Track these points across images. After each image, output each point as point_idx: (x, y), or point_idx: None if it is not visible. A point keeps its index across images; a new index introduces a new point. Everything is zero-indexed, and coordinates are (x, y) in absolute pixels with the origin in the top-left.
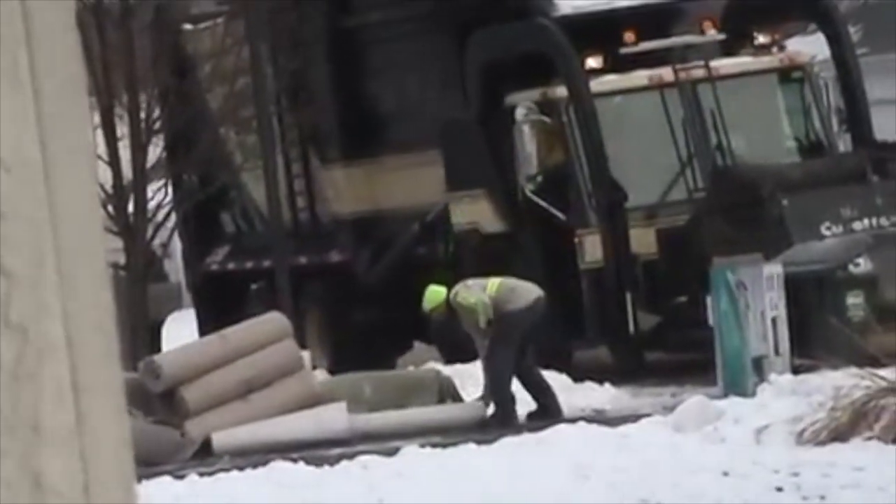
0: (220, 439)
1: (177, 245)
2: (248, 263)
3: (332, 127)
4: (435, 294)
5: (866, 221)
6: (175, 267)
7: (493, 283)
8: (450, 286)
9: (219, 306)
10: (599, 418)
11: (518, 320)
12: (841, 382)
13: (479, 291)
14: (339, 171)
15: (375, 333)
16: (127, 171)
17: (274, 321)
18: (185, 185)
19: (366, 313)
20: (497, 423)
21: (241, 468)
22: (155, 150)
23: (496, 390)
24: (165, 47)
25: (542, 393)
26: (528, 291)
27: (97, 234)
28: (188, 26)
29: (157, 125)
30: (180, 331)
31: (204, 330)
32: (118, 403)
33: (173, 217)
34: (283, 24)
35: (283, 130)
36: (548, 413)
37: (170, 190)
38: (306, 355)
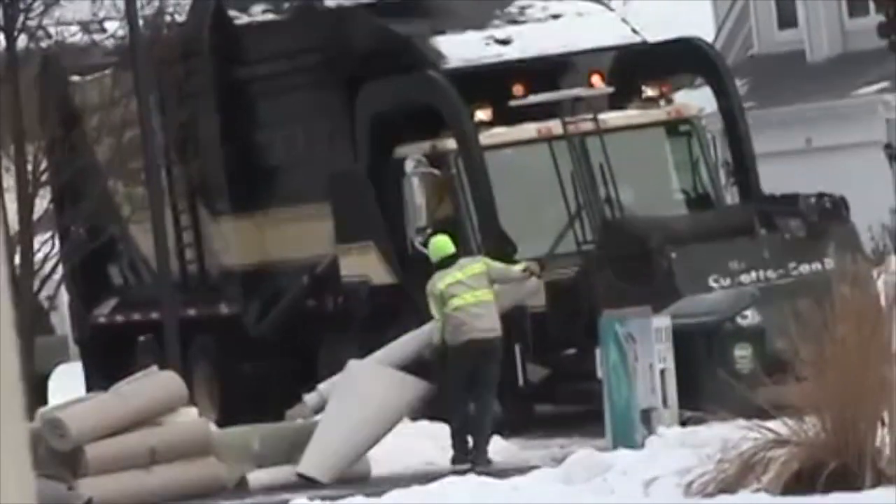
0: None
1: (64, 297)
2: (136, 316)
3: (221, 179)
4: (444, 242)
5: (754, 274)
6: (62, 319)
7: (460, 299)
8: (340, 342)
9: (106, 359)
10: (489, 470)
11: (462, 355)
12: (729, 435)
13: (434, 312)
14: (229, 223)
15: (265, 386)
16: (13, 222)
17: (170, 382)
18: (73, 237)
19: (255, 365)
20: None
21: None
22: (42, 202)
23: (451, 425)
24: (53, 99)
25: (479, 435)
26: (473, 326)
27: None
28: (76, 78)
29: (45, 177)
30: (67, 383)
31: (91, 383)
32: (23, 459)
33: (60, 269)
34: (171, 77)
35: (172, 182)
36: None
37: (57, 242)
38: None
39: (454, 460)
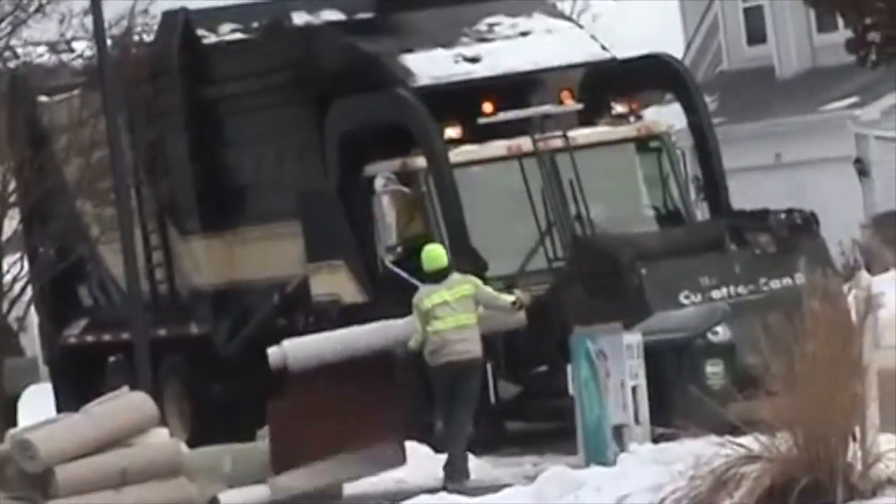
0: None
1: (33, 319)
2: (106, 336)
3: (191, 198)
4: (438, 252)
5: (724, 290)
6: (31, 340)
7: (444, 322)
8: None
9: (76, 380)
10: (461, 488)
11: (441, 376)
12: (701, 451)
13: (417, 325)
14: (198, 242)
15: (235, 406)
16: None
17: (140, 403)
18: (42, 258)
19: (226, 385)
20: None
21: None
22: (11, 223)
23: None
24: (21, 119)
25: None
26: (452, 349)
27: None
28: (44, 98)
29: (13, 198)
30: (37, 405)
31: (62, 404)
32: None
33: (30, 290)
34: (139, 96)
35: (141, 202)
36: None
37: (26, 263)
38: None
39: (447, 480)
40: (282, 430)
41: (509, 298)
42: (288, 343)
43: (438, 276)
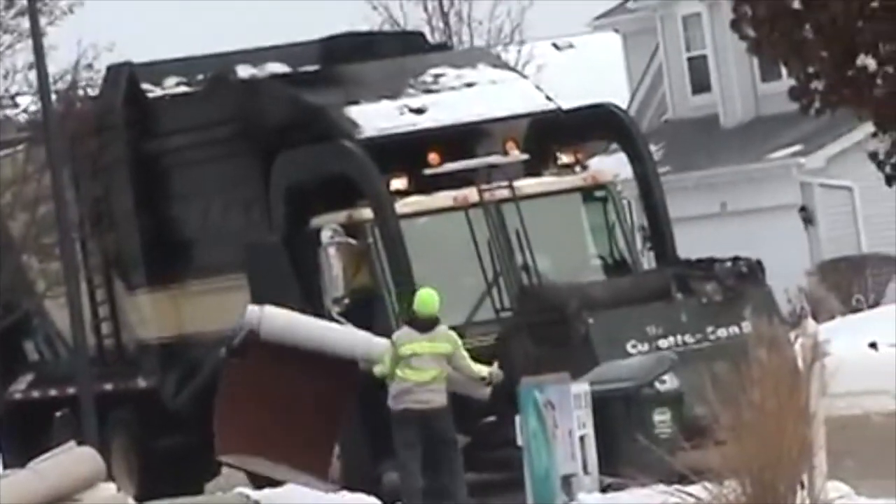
0: None
1: None
2: (53, 391)
3: (137, 252)
4: (430, 298)
5: (671, 339)
6: None
7: (417, 374)
8: None
9: (23, 435)
10: None
11: (399, 425)
12: (649, 500)
13: (386, 359)
14: (144, 296)
15: (183, 459)
16: None
17: (87, 458)
18: None
19: (173, 439)
20: None
21: None
22: None
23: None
24: None
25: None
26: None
27: None
28: None
29: None
30: None
31: (8, 460)
32: None
33: None
34: (84, 150)
35: (87, 256)
36: None
37: None
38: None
39: None
40: (229, 411)
41: (483, 371)
42: (269, 308)
43: (425, 324)
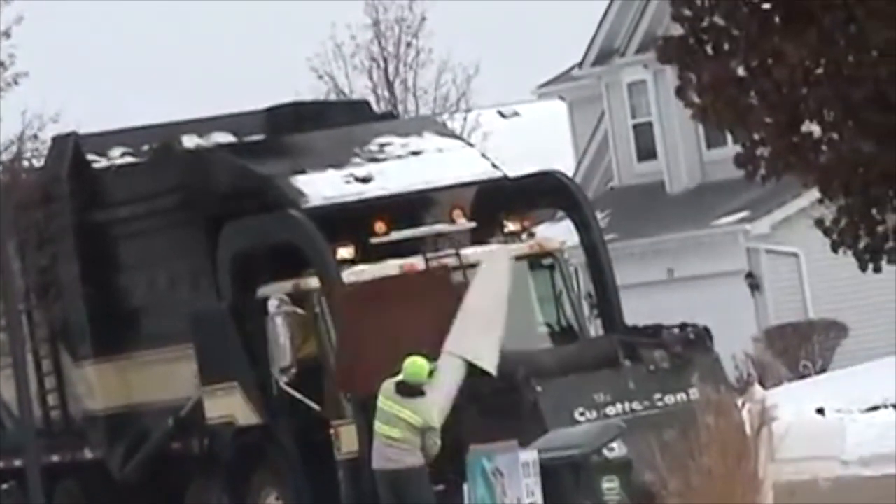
0: None
1: None
2: None
3: (83, 323)
4: (419, 367)
5: (619, 406)
6: None
7: (382, 428)
8: (206, 484)
9: None
10: None
11: (379, 483)
12: None
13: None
14: (91, 367)
15: None
16: None
17: None
18: None
19: None
20: None
21: None
22: None
23: None
24: None
25: None
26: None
27: None
28: None
29: None
30: None
31: None
32: None
33: None
34: (30, 221)
35: (33, 327)
36: None
37: None
38: None
39: None
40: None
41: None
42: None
43: (409, 390)
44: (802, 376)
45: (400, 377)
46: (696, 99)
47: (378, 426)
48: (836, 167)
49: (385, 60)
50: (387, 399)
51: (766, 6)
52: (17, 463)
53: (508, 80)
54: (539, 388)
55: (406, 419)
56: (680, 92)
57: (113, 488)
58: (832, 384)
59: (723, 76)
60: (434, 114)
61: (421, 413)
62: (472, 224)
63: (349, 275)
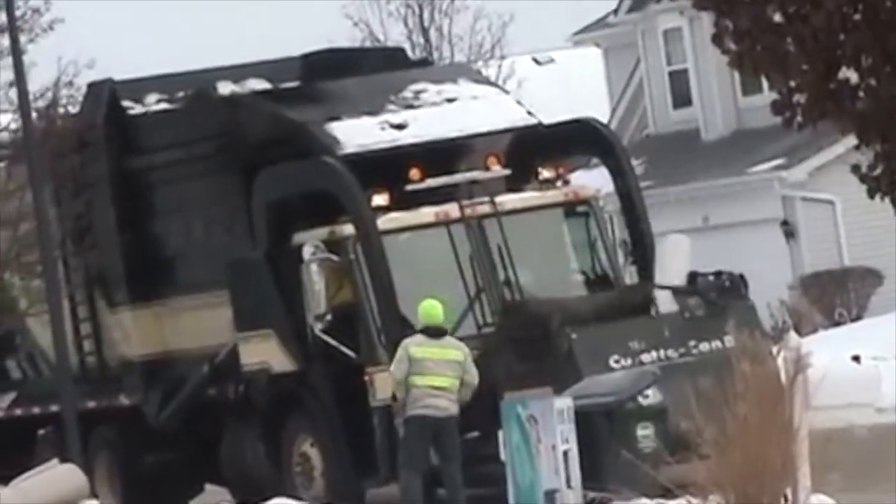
0: None
1: None
2: (35, 409)
3: (119, 269)
4: (423, 313)
5: (654, 353)
6: None
7: (431, 379)
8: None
9: (6, 453)
10: None
11: (412, 430)
12: None
13: (402, 367)
14: (127, 313)
15: (166, 476)
16: None
17: (71, 476)
18: None
19: (157, 456)
20: None
21: None
22: None
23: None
24: None
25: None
26: (431, 404)
27: None
28: None
29: None
30: None
31: None
32: None
33: None
34: (66, 168)
35: (69, 274)
36: None
37: None
38: None
39: None
40: None
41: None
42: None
43: (433, 333)
44: (838, 324)
45: (423, 323)
46: (732, 46)
47: (417, 379)
48: (872, 113)
49: (420, 7)
50: (420, 347)
51: None
52: (54, 409)
53: (543, 27)
54: (574, 336)
55: (444, 358)
56: (716, 39)
57: (148, 434)
58: (867, 331)
59: (760, 22)
60: (469, 61)
61: (460, 346)
62: (507, 171)
63: (384, 222)
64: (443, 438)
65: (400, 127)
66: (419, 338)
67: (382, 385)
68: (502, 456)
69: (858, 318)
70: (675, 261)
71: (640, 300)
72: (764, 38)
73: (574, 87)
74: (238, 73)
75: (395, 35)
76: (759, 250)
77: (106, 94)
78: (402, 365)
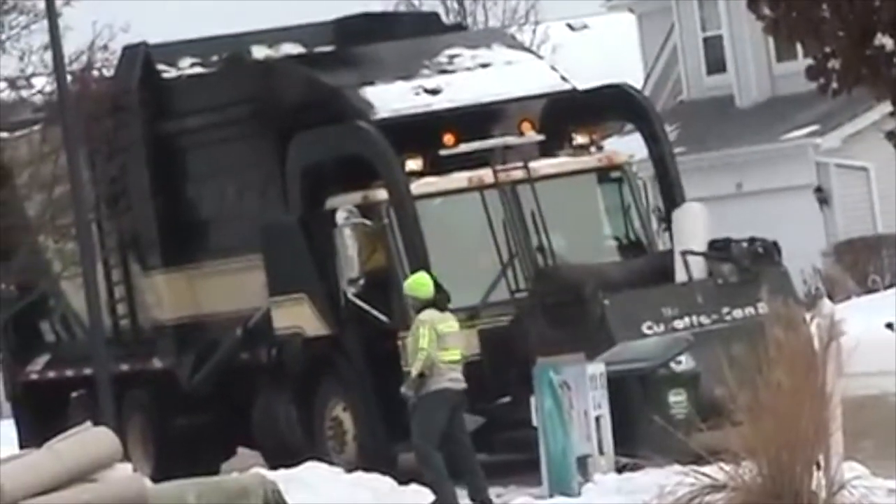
0: None
1: None
2: (69, 372)
3: (153, 233)
4: (422, 287)
5: (687, 320)
6: None
7: (453, 352)
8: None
9: (39, 415)
10: None
11: (436, 402)
12: (665, 480)
13: (435, 344)
14: (160, 277)
15: (199, 440)
16: None
17: (104, 438)
18: (4, 295)
19: (189, 419)
20: None
21: None
22: None
23: (425, 470)
24: None
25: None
26: (453, 377)
27: None
28: (4, 134)
29: None
30: None
31: (25, 439)
32: None
33: None
34: (100, 131)
35: (103, 237)
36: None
37: None
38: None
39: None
40: None
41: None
42: None
43: (442, 306)
44: (871, 290)
45: (425, 297)
46: (767, 11)
47: (442, 354)
48: None
49: None
50: (438, 323)
51: None
52: (87, 372)
53: None
54: (607, 302)
55: (458, 330)
56: (751, 4)
57: (181, 398)
58: None
59: None
60: (503, 26)
61: (454, 318)
62: (541, 136)
63: (417, 187)
64: (459, 411)
65: (434, 92)
66: (433, 313)
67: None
68: (534, 421)
69: (892, 285)
70: (692, 229)
71: (673, 267)
72: (799, 3)
73: (608, 53)
74: (272, 37)
75: (428, 0)
76: (793, 217)
77: (140, 58)
78: (434, 344)
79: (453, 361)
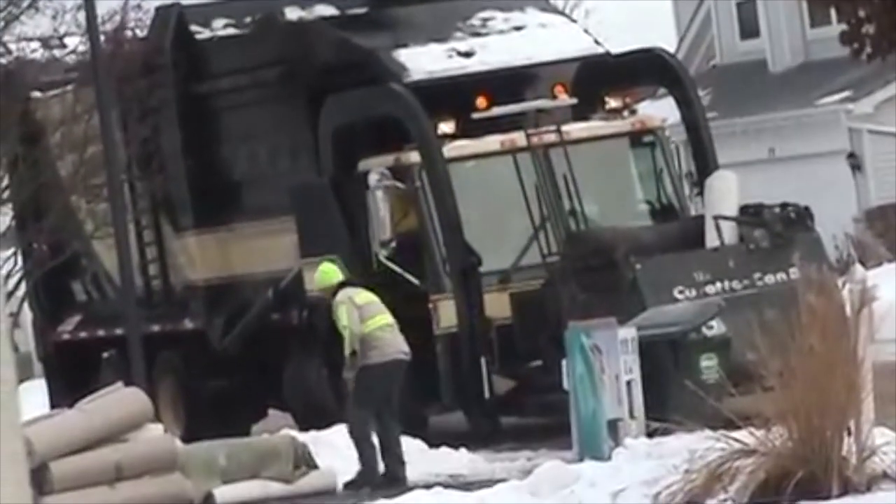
0: None
1: (27, 315)
2: (100, 332)
3: (184, 194)
4: (328, 274)
5: (719, 285)
6: (25, 336)
7: (379, 318)
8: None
9: (70, 375)
10: (455, 483)
11: (378, 375)
12: (696, 445)
13: (356, 318)
14: (192, 238)
15: (230, 401)
16: None
17: (135, 398)
18: (36, 254)
19: (220, 381)
20: (362, 482)
21: None
22: (4, 219)
23: (357, 445)
24: (14, 115)
25: (390, 457)
26: (395, 347)
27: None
28: (37, 94)
29: (6, 194)
30: (31, 400)
31: (56, 400)
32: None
33: (23, 286)
34: (133, 92)
35: (135, 198)
36: (391, 481)
37: (19, 259)
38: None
39: (357, 480)
40: None
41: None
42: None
43: (354, 284)
44: None
45: (336, 281)
46: None
47: (370, 322)
48: None
49: None
50: (354, 297)
51: None
52: (119, 332)
53: None
54: (638, 266)
55: (376, 298)
56: None
57: (213, 360)
58: None
59: None
60: None
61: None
62: (574, 100)
63: (450, 149)
64: (395, 383)
65: (467, 55)
66: (346, 290)
67: (446, 313)
68: (566, 385)
69: None
70: (724, 195)
71: (705, 231)
72: None
73: (641, 18)
74: None
75: None
76: (825, 183)
77: (173, 19)
78: (354, 315)
79: (386, 325)
